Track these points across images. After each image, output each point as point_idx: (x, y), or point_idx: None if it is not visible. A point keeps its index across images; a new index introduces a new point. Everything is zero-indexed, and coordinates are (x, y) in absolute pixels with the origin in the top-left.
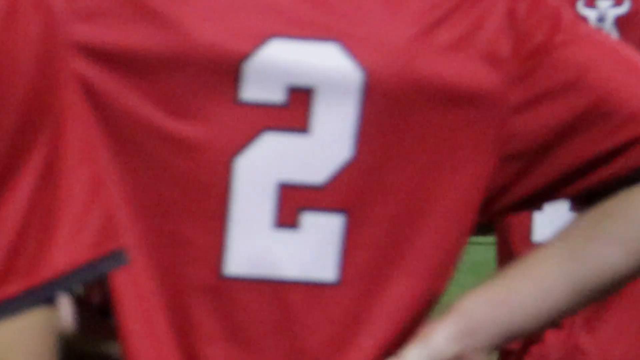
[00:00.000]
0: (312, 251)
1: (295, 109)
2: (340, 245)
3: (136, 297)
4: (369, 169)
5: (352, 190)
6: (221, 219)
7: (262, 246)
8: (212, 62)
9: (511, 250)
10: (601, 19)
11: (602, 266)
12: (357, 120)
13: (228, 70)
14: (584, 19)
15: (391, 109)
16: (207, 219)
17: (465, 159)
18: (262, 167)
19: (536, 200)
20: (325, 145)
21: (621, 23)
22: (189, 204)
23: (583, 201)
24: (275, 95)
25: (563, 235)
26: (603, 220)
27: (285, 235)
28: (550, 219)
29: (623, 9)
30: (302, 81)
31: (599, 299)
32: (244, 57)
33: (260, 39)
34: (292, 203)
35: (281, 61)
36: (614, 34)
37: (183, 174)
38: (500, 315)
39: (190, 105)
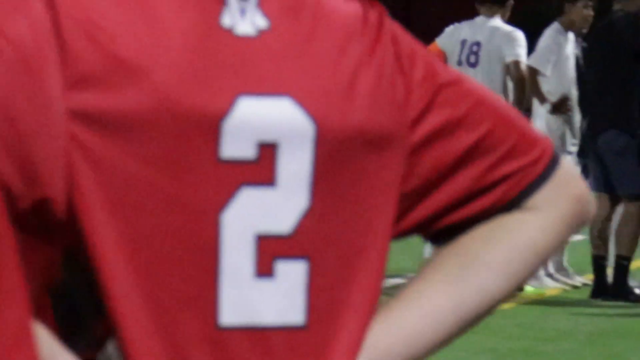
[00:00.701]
0: (285, 297)
1: (264, 164)
2: (305, 290)
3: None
4: (321, 215)
5: (311, 237)
6: (213, 272)
7: (248, 295)
8: (194, 121)
9: None
10: None
11: (483, 292)
12: (311, 170)
13: (209, 130)
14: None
15: (336, 157)
16: (201, 272)
17: (387, 198)
18: (243, 220)
19: (420, 229)
20: (289, 196)
21: None
22: (182, 258)
23: (449, 232)
24: (249, 152)
25: (442, 262)
26: (482, 247)
27: (264, 283)
28: None
29: None
30: (268, 137)
31: (477, 324)
32: (222, 116)
33: (232, 97)
34: (268, 253)
35: (251, 118)
36: None
37: (175, 229)
38: (399, 347)
39: (178, 164)
